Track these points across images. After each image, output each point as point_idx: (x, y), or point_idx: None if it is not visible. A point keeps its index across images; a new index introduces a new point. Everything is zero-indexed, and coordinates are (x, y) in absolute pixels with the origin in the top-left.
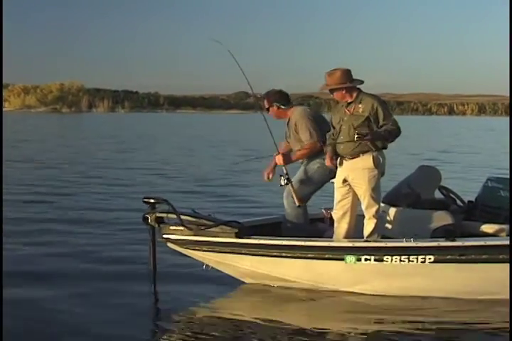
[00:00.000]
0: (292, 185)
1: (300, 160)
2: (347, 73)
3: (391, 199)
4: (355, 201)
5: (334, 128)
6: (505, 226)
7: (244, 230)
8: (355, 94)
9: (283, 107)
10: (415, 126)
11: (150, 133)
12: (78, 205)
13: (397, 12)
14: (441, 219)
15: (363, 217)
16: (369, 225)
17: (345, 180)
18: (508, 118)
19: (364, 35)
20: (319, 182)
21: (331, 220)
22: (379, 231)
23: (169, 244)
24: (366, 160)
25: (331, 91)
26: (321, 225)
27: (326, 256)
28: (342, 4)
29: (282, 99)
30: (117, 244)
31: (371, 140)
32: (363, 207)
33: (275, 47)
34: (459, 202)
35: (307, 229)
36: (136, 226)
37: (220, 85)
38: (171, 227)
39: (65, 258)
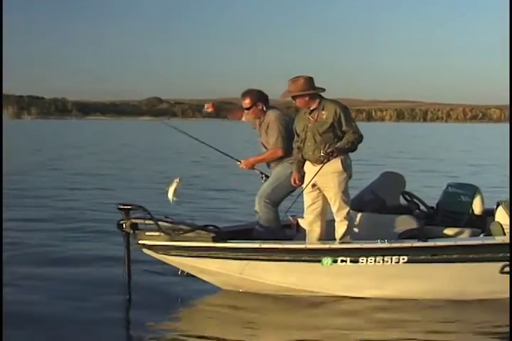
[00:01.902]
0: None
1: (272, 164)
2: (310, 80)
3: (356, 206)
4: (326, 205)
5: (299, 135)
6: (466, 230)
7: (221, 235)
8: (317, 101)
9: (265, 108)
10: None
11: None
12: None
13: (313, 13)
14: (406, 223)
15: (333, 221)
16: (341, 227)
17: (314, 185)
18: (426, 124)
19: (275, 37)
20: (291, 187)
21: (298, 227)
22: (350, 233)
23: (145, 250)
24: (334, 164)
25: (294, 98)
26: (288, 232)
27: (303, 258)
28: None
29: (265, 98)
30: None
31: (337, 156)
32: (334, 210)
33: (185, 49)
34: (422, 207)
35: (278, 234)
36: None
37: (132, 90)
38: (147, 233)
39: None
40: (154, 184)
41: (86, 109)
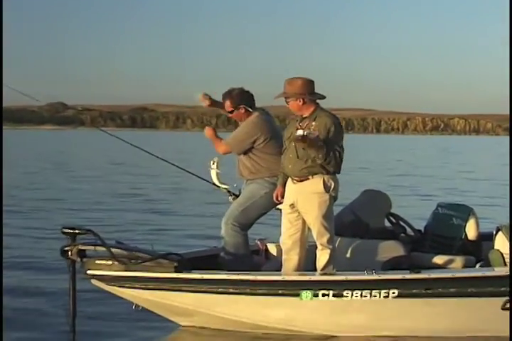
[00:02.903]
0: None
1: (245, 180)
2: (308, 84)
3: (334, 229)
4: (306, 229)
5: (284, 145)
6: (459, 258)
7: (184, 263)
8: (312, 109)
9: (250, 110)
10: None
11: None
12: None
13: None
14: (391, 250)
15: (315, 247)
16: (322, 256)
17: (293, 205)
18: (380, 136)
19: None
20: (264, 209)
21: (267, 253)
22: (334, 263)
23: (94, 282)
24: (315, 184)
25: (287, 99)
26: (256, 258)
27: (280, 292)
28: None
29: (249, 99)
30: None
31: (307, 142)
32: (314, 236)
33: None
34: (408, 229)
35: (247, 262)
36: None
37: (31, 93)
38: (98, 262)
39: None
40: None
41: None
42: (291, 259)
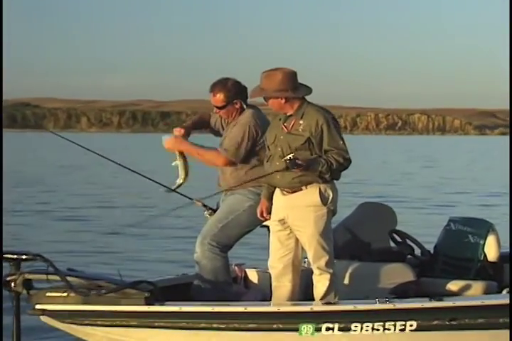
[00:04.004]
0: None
1: (224, 191)
2: (290, 77)
3: None
4: (299, 250)
5: (269, 150)
6: (477, 283)
7: (157, 294)
8: (297, 105)
9: (244, 106)
10: None
11: None
12: None
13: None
14: (397, 274)
15: (310, 271)
16: (320, 282)
17: (283, 221)
18: None
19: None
20: (248, 226)
21: (246, 281)
22: (335, 290)
23: (44, 318)
24: (310, 195)
25: (266, 98)
26: (234, 287)
27: (274, 326)
28: None
29: (245, 93)
30: None
31: (304, 169)
32: (310, 258)
33: None
34: (417, 250)
35: (230, 291)
36: None
37: None
38: (49, 294)
39: None
40: None
41: None
42: (282, 286)
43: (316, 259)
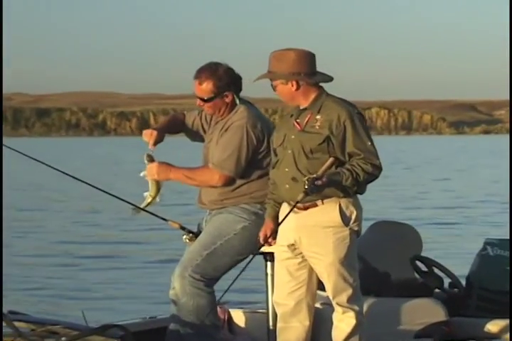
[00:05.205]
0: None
1: (209, 210)
2: (306, 58)
3: None
4: (313, 282)
5: (276, 154)
6: None
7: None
8: (313, 96)
9: (237, 100)
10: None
11: None
12: None
13: None
14: (424, 313)
15: (329, 307)
16: (343, 322)
17: (293, 246)
18: None
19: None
20: (240, 253)
21: (231, 324)
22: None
23: None
24: (329, 213)
25: (273, 83)
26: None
27: None
28: None
29: (238, 84)
30: None
31: (323, 186)
32: (329, 293)
33: None
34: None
35: (216, 335)
36: None
37: None
38: None
39: None
40: None
41: None
42: (290, 328)
43: (337, 294)
